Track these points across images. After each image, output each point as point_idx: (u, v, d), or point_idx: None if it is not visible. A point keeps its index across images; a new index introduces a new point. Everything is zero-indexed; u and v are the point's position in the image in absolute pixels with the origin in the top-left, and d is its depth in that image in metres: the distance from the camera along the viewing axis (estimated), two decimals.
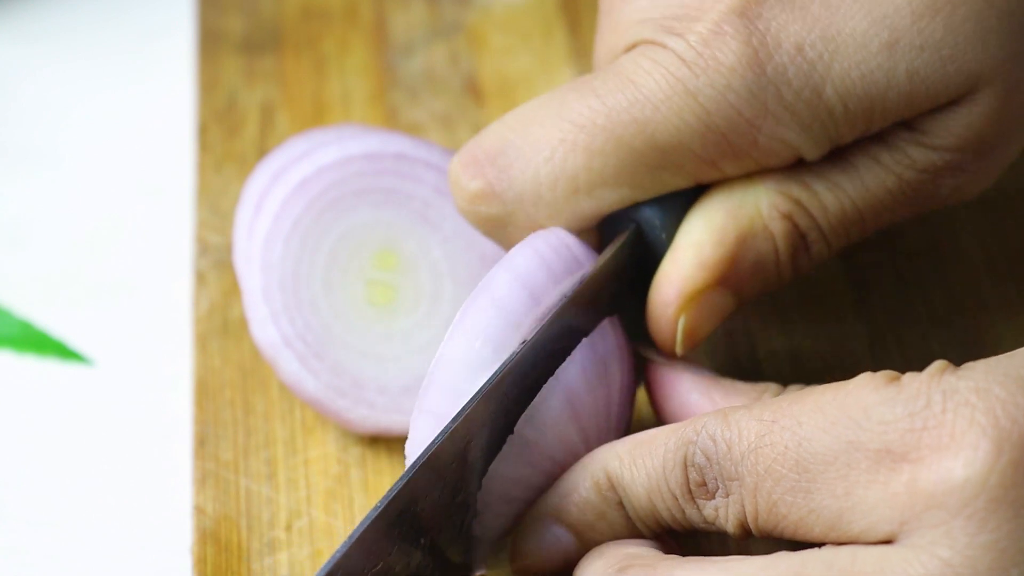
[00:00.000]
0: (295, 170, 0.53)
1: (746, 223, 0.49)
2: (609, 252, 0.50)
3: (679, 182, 0.50)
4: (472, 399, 0.45)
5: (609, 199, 0.50)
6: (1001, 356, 0.44)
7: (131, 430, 0.57)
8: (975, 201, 0.61)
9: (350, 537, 0.43)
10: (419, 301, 0.53)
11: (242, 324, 0.58)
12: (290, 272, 0.52)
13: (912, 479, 0.41)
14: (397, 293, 0.53)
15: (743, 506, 0.44)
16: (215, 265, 0.60)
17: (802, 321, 0.57)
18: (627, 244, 0.50)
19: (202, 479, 0.54)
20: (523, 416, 0.47)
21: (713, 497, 0.44)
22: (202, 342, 0.58)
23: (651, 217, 0.50)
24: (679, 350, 0.50)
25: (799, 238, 0.50)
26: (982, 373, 0.41)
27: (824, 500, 0.42)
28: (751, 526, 0.44)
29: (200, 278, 0.60)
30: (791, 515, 0.43)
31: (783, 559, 0.42)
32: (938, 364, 0.42)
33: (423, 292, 0.53)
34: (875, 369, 0.56)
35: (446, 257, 0.53)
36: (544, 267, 0.48)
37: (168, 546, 0.53)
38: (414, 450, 0.46)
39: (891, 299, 0.58)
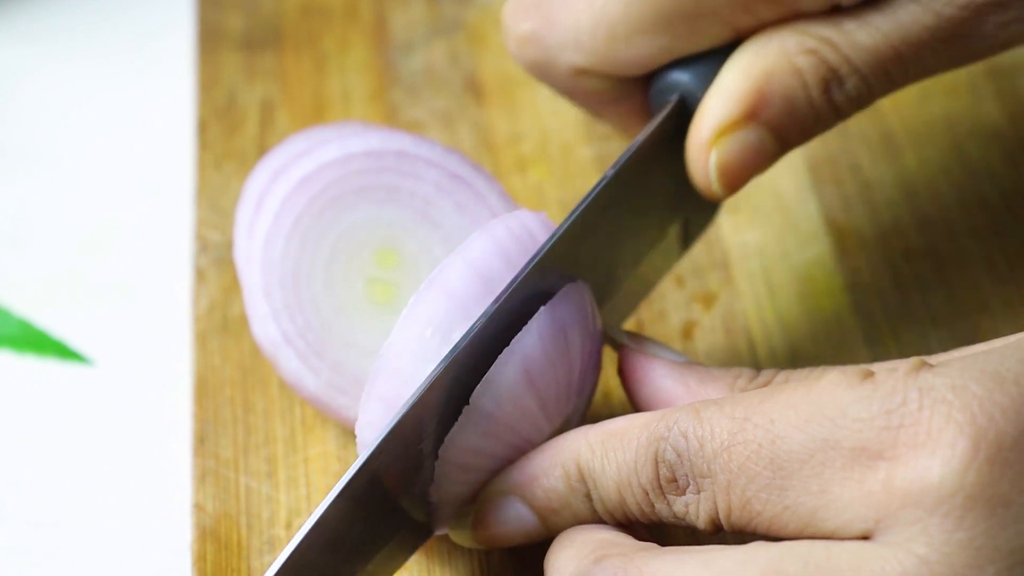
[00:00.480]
0: (296, 168, 0.53)
1: (772, 59, 0.49)
2: (654, 123, 0.50)
3: (717, 31, 0.50)
4: (428, 379, 0.46)
5: (647, 48, 0.50)
6: (978, 351, 0.44)
7: (131, 428, 0.57)
8: (974, 200, 0.61)
9: (312, 517, 0.44)
10: None
11: (242, 322, 0.58)
12: (291, 270, 0.52)
13: (888, 477, 0.41)
14: (398, 291, 0.53)
15: (715, 503, 0.44)
16: (215, 263, 0.60)
17: (801, 321, 0.57)
18: (671, 115, 0.51)
19: (202, 477, 0.54)
20: (479, 386, 0.46)
21: (684, 493, 0.44)
22: (202, 340, 0.58)
23: (694, 88, 0.51)
24: (718, 190, 0.50)
25: (830, 72, 0.50)
26: (958, 370, 0.41)
27: (799, 497, 0.42)
28: (723, 522, 0.44)
29: (200, 276, 0.60)
30: (765, 512, 0.43)
31: (761, 551, 0.42)
32: (913, 361, 0.42)
33: None
34: None
35: (447, 255, 0.53)
36: (501, 255, 0.48)
37: (168, 544, 0.53)
38: (364, 433, 0.47)
39: (890, 299, 0.58)
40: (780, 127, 0.50)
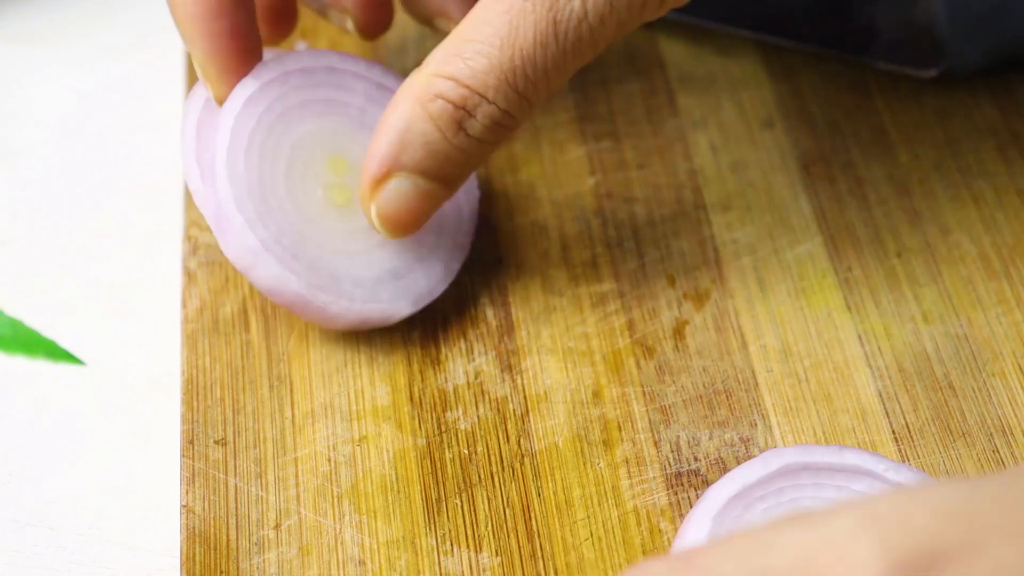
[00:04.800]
0: (240, 89, 0.55)
1: (408, 108, 0.52)
2: None
3: None
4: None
5: None
6: None
7: (120, 429, 0.57)
8: (967, 197, 0.61)
9: None
10: None
11: (232, 323, 0.58)
12: (255, 181, 0.55)
13: None
14: (352, 193, 0.56)
15: None
16: (205, 264, 0.60)
17: (793, 319, 0.57)
18: None
19: (191, 478, 0.54)
20: None
21: None
22: (192, 341, 0.57)
23: None
24: (389, 235, 0.54)
25: (457, 112, 0.51)
26: None
27: None
28: None
29: (190, 277, 0.59)
30: None
31: None
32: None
33: None
34: (869, 366, 0.56)
35: None
36: None
37: (157, 545, 0.53)
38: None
39: (882, 296, 0.58)
40: (429, 170, 0.53)
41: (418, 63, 0.67)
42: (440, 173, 0.53)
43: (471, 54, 0.51)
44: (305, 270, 0.54)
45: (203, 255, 0.60)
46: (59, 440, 0.56)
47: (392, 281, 0.56)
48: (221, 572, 0.51)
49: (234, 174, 0.54)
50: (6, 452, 0.56)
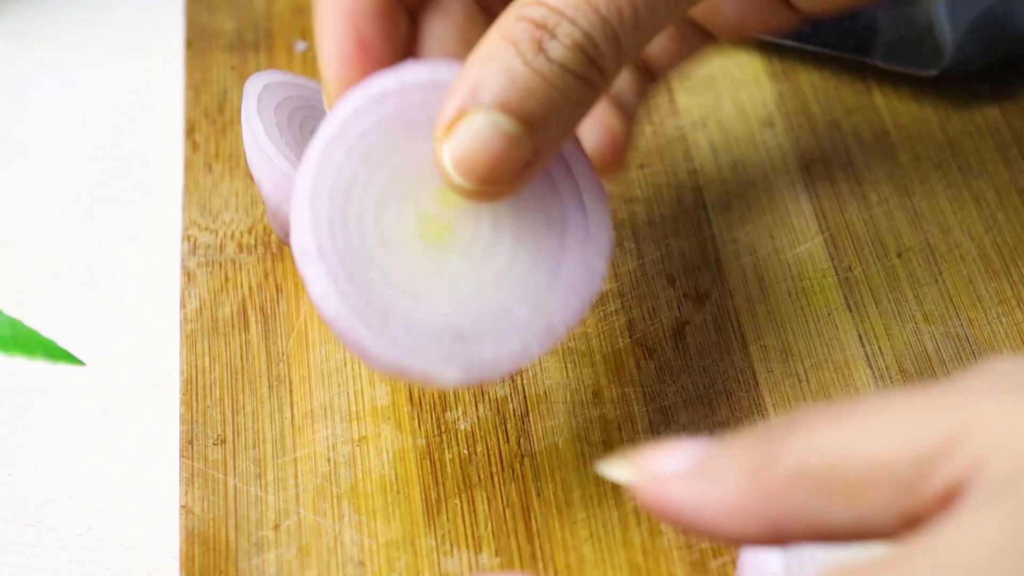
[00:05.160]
0: (376, 82, 0.49)
1: (489, 38, 0.47)
2: None
3: None
4: None
5: None
6: None
7: (119, 429, 0.56)
8: (967, 196, 0.61)
9: None
10: (473, 247, 0.49)
11: (231, 323, 0.58)
12: (344, 183, 0.49)
13: None
14: (451, 233, 0.49)
15: None
16: (204, 264, 0.60)
17: (793, 319, 0.57)
18: None
19: (190, 478, 0.54)
20: None
21: None
22: (191, 341, 0.57)
23: None
24: (462, 183, 0.46)
25: (538, 30, 0.46)
26: None
27: None
28: None
29: (189, 277, 0.59)
30: None
31: None
32: None
33: (480, 239, 0.49)
34: (869, 366, 0.56)
35: (512, 211, 0.49)
36: None
37: (156, 545, 0.53)
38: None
39: (883, 296, 0.58)
40: (510, 103, 0.46)
41: None
42: (522, 109, 0.46)
43: None
44: (355, 294, 0.48)
45: (203, 255, 0.60)
46: (59, 440, 0.56)
47: (452, 341, 0.47)
48: (220, 572, 0.51)
49: (323, 168, 0.48)
50: (6, 452, 0.56)
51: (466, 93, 0.46)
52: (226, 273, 0.59)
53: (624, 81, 0.56)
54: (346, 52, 0.50)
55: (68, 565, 0.53)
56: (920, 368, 0.56)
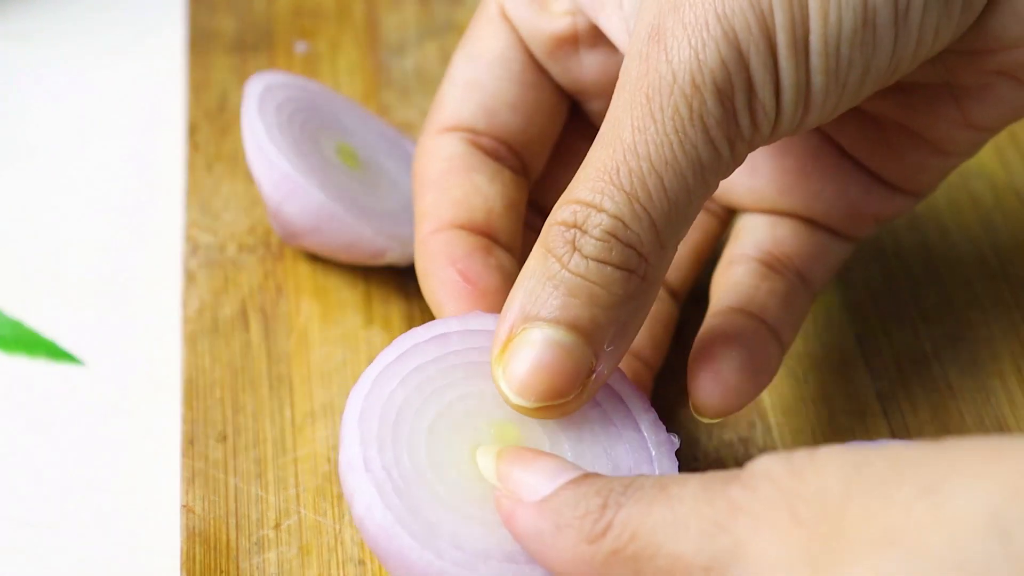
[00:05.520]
0: (441, 322, 0.49)
1: (531, 261, 0.46)
2: None
3: None
4: None
5: None
6: None
7: (121, 429, 0.57)
8: (965, 198, 0.61)
9: None
10: None
11: (232, 323, 0.58)
12: (396, 407, 0.47)
13: None
14: None
15: None
16: (205, 265, 0.60)
17: None
18: None
19: (191, 478, 0.54)
20: None
21: None
22: (192, 342, 0.58)
23: None
24: (522, 408, 0.45)
25: (569, 230, 0.45)
26: None
27: None
28: None
29: (190, 278, 0.60)
30: None
31: None
32: None
33: None
34: (868, 366, 0.56)
35: (574, 452, 0.47)
36: None
37: (157, 545, 0.53)
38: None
39: (881, 297, 0.58)
40: (557, 314, 0.44)
41: (416, 63, 0.67)
42: (569, 316, 0.44)
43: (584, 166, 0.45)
44: (401, 506, 0.45)
45: (203, 255, 0.60)
46: (59, 440, 0.56)
47: (501, 562, 0.45)
48: (221, 572, 0.51)
49: (375, 392, 0.47)
50: (6, 452, 0.56)
51: (515, 312, 0.45)
52: (227, 273, 0.60)
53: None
54: (453, 288, 0.50)
55: (68, 565, 0.53)
56: (918, 368, 0.56)
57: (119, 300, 0.61)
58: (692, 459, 0.53)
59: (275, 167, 0.57)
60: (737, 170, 0.49)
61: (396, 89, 0.66)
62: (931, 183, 0.52)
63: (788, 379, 0.56)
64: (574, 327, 0.44)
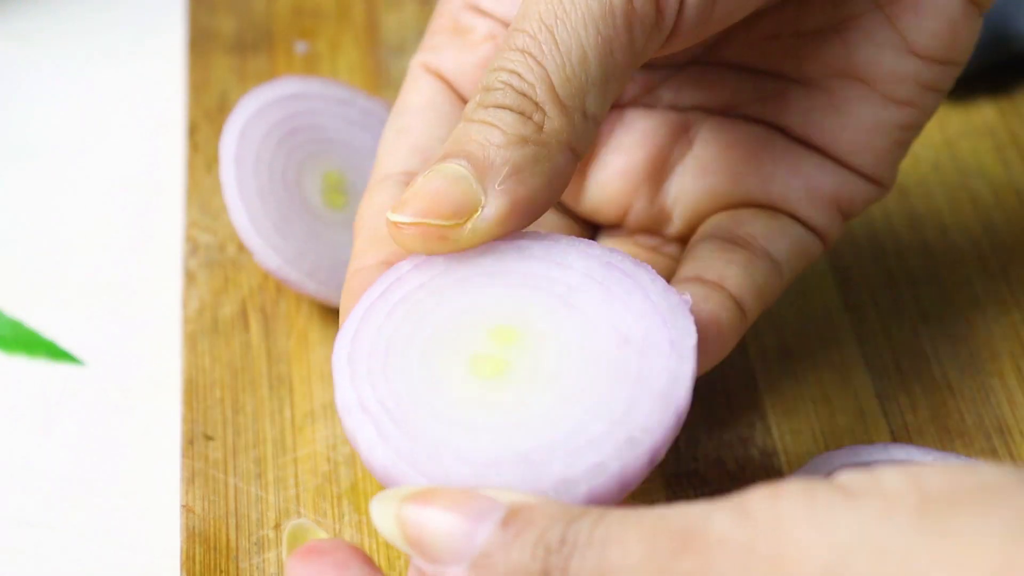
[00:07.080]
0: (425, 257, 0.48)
1: None
2: None
3: None
4: None
5: None
6: None
7: (121, 429, 0.57)
8: (965, 197, 0.61)
9: None
10: (536, 375, 0.45)
11: (232, 323, 0.58)
12: (385, 339, 0.46)
13: None
14: (508, 367, 0.45)
15: None
16: (205, 265, 0.60)
17: (792, 319, 0.57)
18: None
19: (191, 478, 0.54)
20: None
21: None
22: (191, 341, 0.58)
23: None
24: (408, 224, 0.46)
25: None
26: None
27: None
28: None
29: (190, 277, 0.60)
30: None
31: None
32: None
33: (542, 368, 0.46)
34: (867, 366, 0.56)
35: (578, 337, 0.46)
36: None
37: (157, 545, 0.53)
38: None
39: (881, 296, 0.58)
40: (447, 150, 0.47)
41: None
42: (464, 151, 0.46)
43: None
44: (400, 436, 0.44)
45: (203, 255, 0.60)
46: (59, 440, 0.56)
47: (515, 464, 0.43)
48: (221, 572, 0.51)
49: (363, 329, 0.46)
50: (7, 452, 0.56)
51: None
52: (227, 274, 0.60)
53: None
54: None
55: (69, 565, 0.53)
56: (917, 368, 0.56)
57: (119, 300, 0.61)
58: (692, 459, 0.53)
59: (239, 221, 0.57)
60: (688, 173, 0.51)
61: (396, 89, 0.66)
62: (887, 156, 0.51)
63: (789, 379, 0.56)
64: (465, 157, 0.46)
